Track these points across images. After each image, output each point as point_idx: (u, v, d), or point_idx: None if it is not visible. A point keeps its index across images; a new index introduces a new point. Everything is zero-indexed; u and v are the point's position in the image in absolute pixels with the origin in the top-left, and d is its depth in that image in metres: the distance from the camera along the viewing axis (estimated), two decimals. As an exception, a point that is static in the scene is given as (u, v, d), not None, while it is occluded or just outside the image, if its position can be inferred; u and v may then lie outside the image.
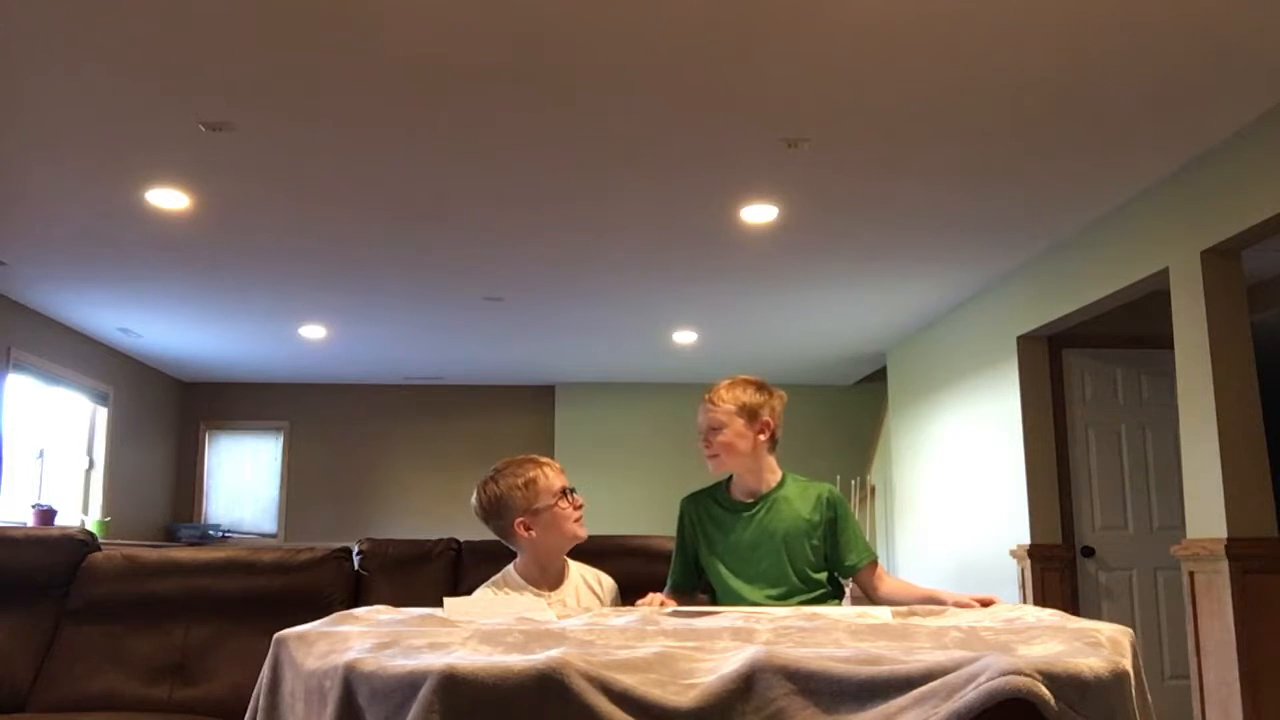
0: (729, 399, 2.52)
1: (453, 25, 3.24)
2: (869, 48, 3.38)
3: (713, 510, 2.58)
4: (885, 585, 2.48)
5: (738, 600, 2.45)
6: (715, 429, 2.51)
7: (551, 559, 2.51)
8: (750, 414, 2.51)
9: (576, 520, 2.51)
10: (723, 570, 2.50)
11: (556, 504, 2.46)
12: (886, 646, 1.49)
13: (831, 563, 2.52)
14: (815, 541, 2.49)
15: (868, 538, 2.59)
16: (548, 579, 2.50)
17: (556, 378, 9.36)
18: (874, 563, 2.51)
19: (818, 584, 2.49)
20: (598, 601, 2.50)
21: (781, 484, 2.56)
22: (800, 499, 2.53)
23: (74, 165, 4.35)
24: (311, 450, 9.59)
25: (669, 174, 4.47)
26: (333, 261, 5.76)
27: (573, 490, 2.51)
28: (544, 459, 2.53)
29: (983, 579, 6.25)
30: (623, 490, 9.08)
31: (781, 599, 2.43)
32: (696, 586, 2.60)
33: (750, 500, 2.54)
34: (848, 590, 2.63)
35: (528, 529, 2.45)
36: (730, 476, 2.59)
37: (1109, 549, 5.70)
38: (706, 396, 2.56)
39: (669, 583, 2.61)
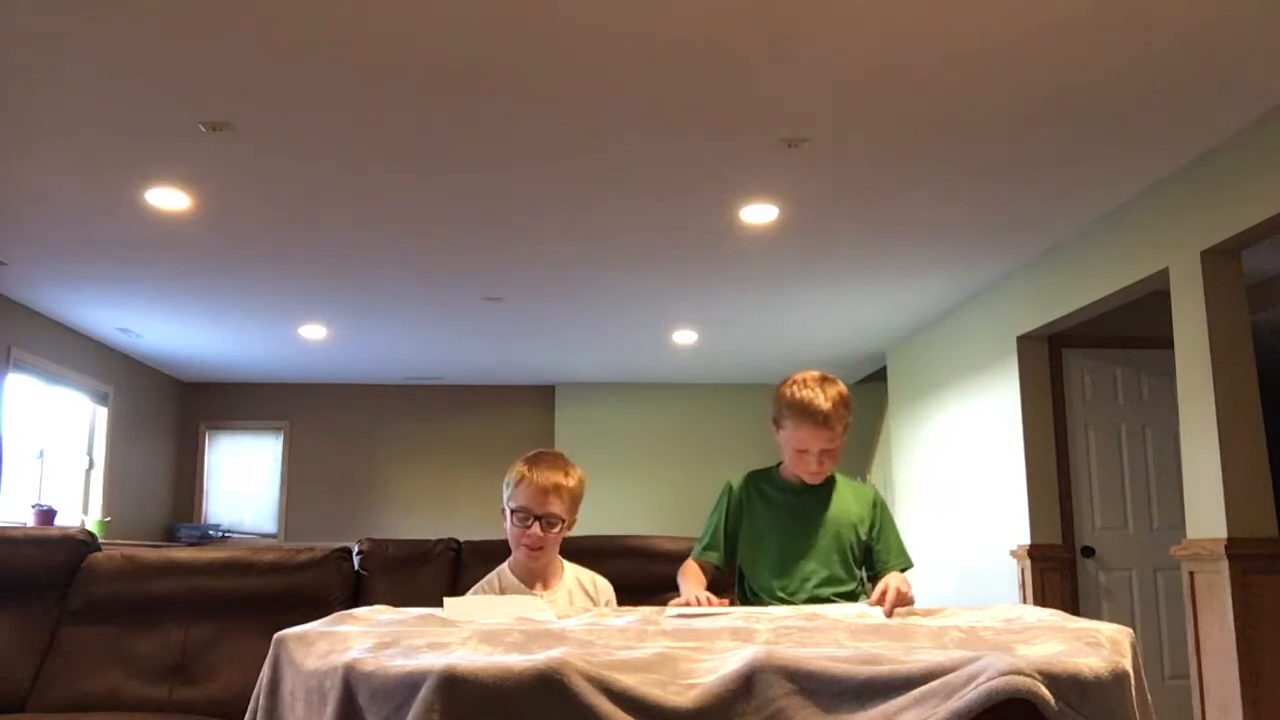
0: (840, 417, 2.41)
1: (452, 25, 3.24)
2: (869, 48, 3.37)
3: (765, 490, 2.56)
4: None
5: (774, 578, 2.45)
6: (829, 450, 2.44)
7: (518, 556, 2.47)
8: (849, 416, 2.46)
9: (524, 544, 2.39)
10: (767, 547, 2.49)
11: (513, 516, 2.41)
12: (886, 646, 1.49)
13: (867, 559, 2.54)
14: (861, 536, 2.52)
15: (908, 555, 2.59)
16: (533, 578, 2.46)
17: (556, 378, 9.36)
18: (903, 571, 2.50)
19: (854, 576, 2.51)
20: (590, 604, 2.48)
21: (832, 476, 2.57)
22: (849, 494, 2.57)
23: (74, 165, 4.35)
24: (311, 450, 9.59)
25: (669, 174, 4.47)
26: (333, 261, 5.76)
27: (533, 518, 2.36)
28: (549, 471, 2.40)
29: (983, 579, 6.25)
30: (623, 490, 9.08)
31: (822, 584, 2.44)
32: (726, 563, 2.56)
33: (806, 484, 2.53)
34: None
35: (505, 521, 2.44)
36: (780, 461, 2.58)
37: (1109, 549, 5.70)
38: (820, 419, 2.39)
39: (699, 548, 2.56)
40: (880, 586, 2.13)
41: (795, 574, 2.45)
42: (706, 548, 2.55)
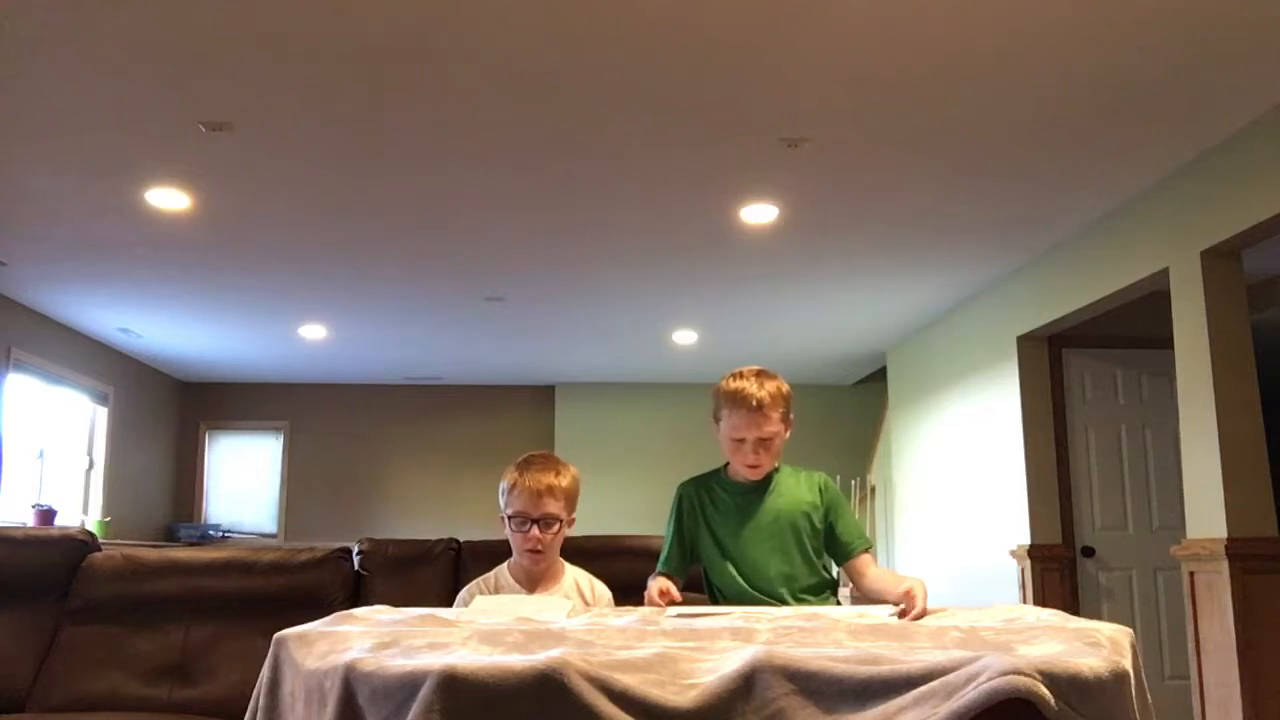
0: (775, 405, 2.43)
1: (452, 26, 3.24)
2: (869, 48, 3.38)
3: (714, 493, 2.57)
4: (870, 574, 2.47)
5: (740, 581, 2.45)
6: (767, 440, 2.45)
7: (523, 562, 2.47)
8: (788, 411, 2.49)
9: (526, 549, 2.39)
10: (727, 551, 2.50)
11: (510, 522, 2.41)
12: (886, 646, 1.49)
13: (829, 546, 2.54)
14: (816, 524, 2.52)
15: (866, 535, 2.59)
16: (532, 582, 2.45)
17: (556, 378, 9.36)
18: (868, 550, 2.53)
19: (817, 568, 2.50)
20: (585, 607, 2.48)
21: (778, 469, 2.57)
22: (798, 483, 2.56)
23: (74, 165, 4.35)
24: (311, 450, 9.59)
25: (669, 174, 4.47)
26: (333, 261, 5.76)
27: (531, 522, 2.37)
28: (541, 473, 2.39)
29: (983, 579, 6.25)
30: (622, 490, 9.07)
31: (786, 581, 2.45)
32: (686, 573, 2.58)
33: (752, 481, 2.53)
34: (845, 590, 2.63)
35: (505, 528, 2.43)
36: (728, 463, 2.59)
37: (1109, 549, 5.70)
38: (754, 404, 2.42)
39: (660, 567, 2.58)
40: (906, 587, 2.05)
41: (757, 572, 2.46)
42: (664, 562, 2.56)
